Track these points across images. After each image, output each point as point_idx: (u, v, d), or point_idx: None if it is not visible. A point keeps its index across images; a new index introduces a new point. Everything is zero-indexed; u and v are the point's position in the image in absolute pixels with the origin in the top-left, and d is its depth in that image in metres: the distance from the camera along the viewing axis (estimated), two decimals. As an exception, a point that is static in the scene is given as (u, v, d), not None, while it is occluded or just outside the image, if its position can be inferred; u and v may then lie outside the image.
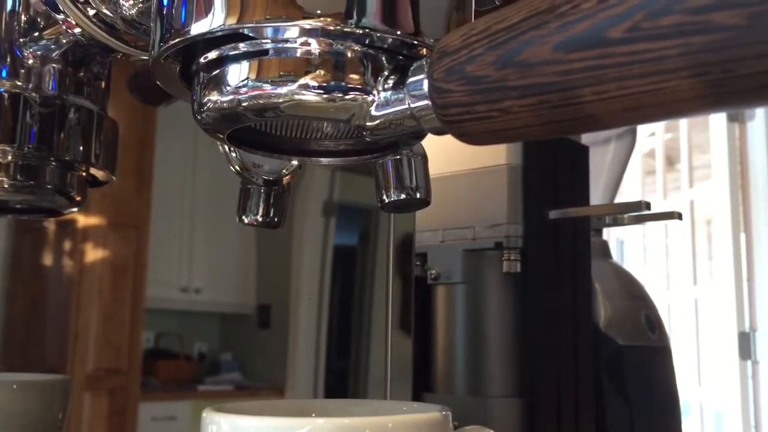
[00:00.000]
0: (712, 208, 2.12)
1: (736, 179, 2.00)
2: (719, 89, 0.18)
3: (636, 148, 0.98)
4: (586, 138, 0.79)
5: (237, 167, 0.42)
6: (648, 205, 0.66)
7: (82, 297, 0.55)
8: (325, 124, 0.29)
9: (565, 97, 0.21)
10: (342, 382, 0.69)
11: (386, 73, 0.26)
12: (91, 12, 0.35)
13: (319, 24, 0.25)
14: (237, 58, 0.26)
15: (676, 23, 0.18)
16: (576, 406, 0.68)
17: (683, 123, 2.25)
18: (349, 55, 0.26)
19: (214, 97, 0.27)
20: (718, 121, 2.05)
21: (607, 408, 0.73)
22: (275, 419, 0.28)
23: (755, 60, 0.17)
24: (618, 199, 1.00)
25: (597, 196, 0.90)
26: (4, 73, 0.38)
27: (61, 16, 0.36)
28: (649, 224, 2.35)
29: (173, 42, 0.27)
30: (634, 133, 0.94)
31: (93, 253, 0.56)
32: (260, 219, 0.44)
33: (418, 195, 0.41)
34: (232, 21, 0.25)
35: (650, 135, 2.41)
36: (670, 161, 2.43)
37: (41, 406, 0.42)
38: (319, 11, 0.25)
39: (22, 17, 0.38)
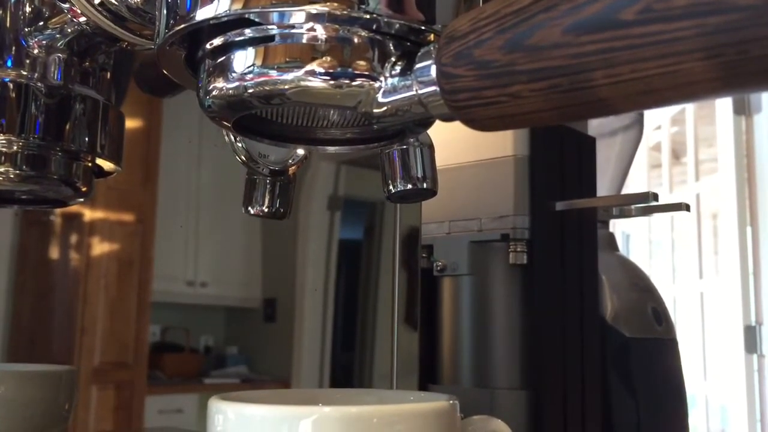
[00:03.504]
0: (718, 202, 2.11)
1: (742, 173, 1.99)
2: (733, 71, 0.18)
3: (642, 141, 0.98)
4: (592, 130, 0.78)
5: (243, 157, 0.42)
6: (656, 197, 0.66)
7: (88, 291, 0.55)
8: (332, 112, 0.29)
9: (576, 81, 0.20)
10: (348, 375, 0.69)
11: (393, 59, 0.26)
12: (97, 0, 0.35)
13: (326, 9, 0.25)
14: (243, 45, 0.26)
15: (689, 4, 0.18)
16: (582, 399, 0.68)
17: (689, 116, 2.24)
18: (355, 40, 0.26)
19: (220, 84, 0.27)
20: (724, 114, 2.04)
21: (613, 400, 0.73)
22: (282, 408, 0.28)
23: (770, 41, 0.17)
24: (624, 192, 1.00)
25: (604, 188, 0.90)
26: (9, 63, 0.38)
27: (66, 5, 0.36)
28: (655, 218, 2.35)
29: (178, 28, 0.26)
30: (641, 124, 0.93)
31: (99, 247, 0.56)
32: (266, 210, 0.44)
33: (424, 185, 0.40)
34: (237, 6, 0.25)
35: (656, 128, 2.40)
36: (676, 155, 2.42)
37: (47, 396, 0.42)
38: (325, -4, 0.25)
39: (27, 7, 0.38)
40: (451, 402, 0.29)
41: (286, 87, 0.25)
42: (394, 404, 0.29)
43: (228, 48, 0.27)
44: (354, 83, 0.25)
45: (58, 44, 0.38)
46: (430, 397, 0.33)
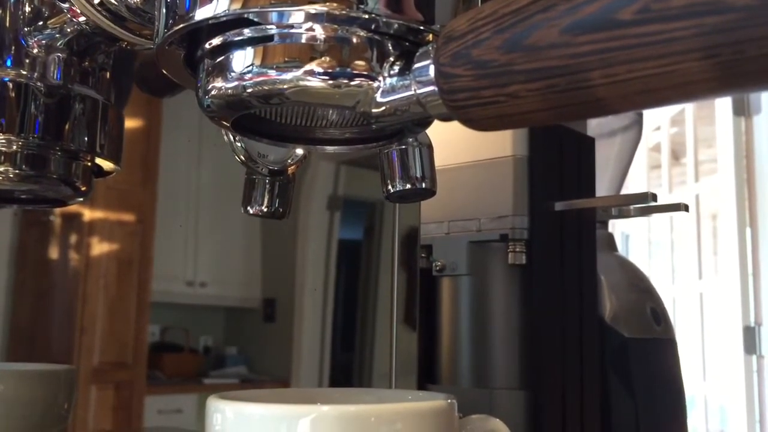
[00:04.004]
0: (718, 203, 2.11)
1: (741, 174, 1.99)
2: (730, 71, 0.18)
3: (641, 142, 0.98)
4: (591, 130, 0.78)
5: (242, 157, 0.42)
6: (654, 197, 0.66)
7: (88, 291, 0.55)
8: (331, 112, 0.29)
9: (573, 81, 0.20)
10: (347, 375, 0.69)
11: (392, 59, 0.26)
12: (96, 0, 0.35)
13: (325, 9, 0.25)
14: (242, 44, 0.26)
15: (686, 4, 0.18)
16: (581, 399, 0.68)
17: (689, 117, 2.24)
18: (354, 40, 0.26)
19: (219, 83, 0.27)
20: (723, 115, 2.04)
21: (612, 400, 0.73)
22: (280, 406, 0.28)
23: (766, 41, 0.17)
24: (623, 193, 1.00)
25: (603, 189, 0.90)
26: (9, 63, 0.38)
27: (66, 5, 0.36)
28: (654, 218, 2.35)
29: (177, 28, 0.26)
30: (640, 125, 0.93)
31: (99, 247, 0.56)
32: (265, 209, 0.44)
33: (423, 185, 0.40)
34: (236, 6, 0.25)
35: (656, 129, 2.40)
36: (676, 155, 2.42)
37: (46, 395, 0.42)
38: (324, -4, 0.25)
39: (27, 6, 0.38)
40: (448, 401, 0.29)
41: (285, 87, 0.26)
42: (392, 403, 0.29)
43: (227, 48, 0.27)
44: (352, 83, 0.26)
45: (58, 44, 0.38)
46: (428, 396, 0.33)
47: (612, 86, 0.20)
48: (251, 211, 0.44)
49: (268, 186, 0.44)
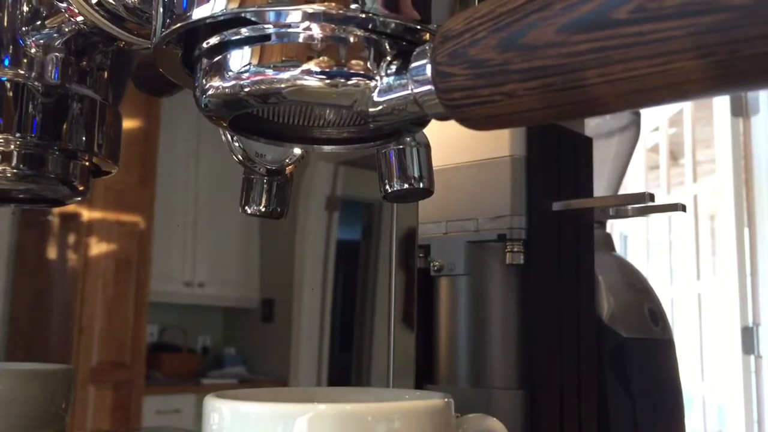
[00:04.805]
0: (716, 204, 2.11)
1: (740, 174, 1.99)
2: (725, 70, 0.18)
3: (639, 143, 0.98)
4: (589, 130, 0.78)
5: (240, 157, 0.42)
6: (652, 197, 0.66)
7: (86, 291, 0.55)
8: (328, 111, 0.29)
9: (569, 80, 0.20)
10: (345, 376, 0.69)
11: (389, 58, 0.26)
12: (94, 0, 0.35)
13: (322, 8, 0.25)
14: (239, 44, 0.26)
15: (681, 3, 0.18)
16: (578, 398, 0.68)
17: (687, 118, 2.25)
18: (351, 40, 0.26)
19: (216, 83, 0.27)
20: (722, 115, 2.04)
21: (609, 400, 0.73)
22: (277, 405, 0.28)
23: (761, 40, 0.17)
24: (621, 193, 1.00)
25: (601, 189, 0.90)
26: (6, 62, 0.38)
27: (63, 5, 0.36)
28: (653, 219, 2.35)
29: (175, 27, 0.27)
30: (638, 125, 0.94)
31: (97, 247, 0.56)
32: (263, 209, 0.44)
33: (420, 185, 0.40)
34: (234, 5, 0.25)
35: (654, 130, 2.40)
36: (674, 156, 2.42)
37: (43, 395, 0.42)
38: (321, -5, 0.25)
39: (25, 6, 0.38)
40: (445, 400, 0.29)
41: (282, 86, 0.26)
42: (389, 402, 0.29)
43: (224, 47, 0.27)
44: (350, 82, 0.26)
45: (56, 43, 0.38)
46: (425, 395, 0.33)
47: (608, 85, 0.20)
48: (249, 211, 0.44)
49: (265, 186, 0.44)
